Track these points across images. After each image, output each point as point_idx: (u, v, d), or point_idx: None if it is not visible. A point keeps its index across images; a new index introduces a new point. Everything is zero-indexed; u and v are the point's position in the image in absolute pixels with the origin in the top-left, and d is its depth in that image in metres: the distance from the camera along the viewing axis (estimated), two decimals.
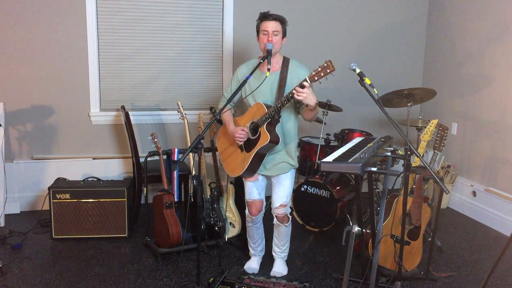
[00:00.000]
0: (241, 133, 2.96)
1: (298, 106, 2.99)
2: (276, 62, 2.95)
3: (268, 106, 2.87)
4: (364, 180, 3.99)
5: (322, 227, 3.94)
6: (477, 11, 4.42)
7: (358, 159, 2.35)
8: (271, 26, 2.85)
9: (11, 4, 4.08)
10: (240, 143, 3.02)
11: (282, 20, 2.89)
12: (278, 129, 2.89)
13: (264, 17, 2.88)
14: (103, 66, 4.40)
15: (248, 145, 2.98)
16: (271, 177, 3.11)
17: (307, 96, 2.67)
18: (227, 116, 3.11)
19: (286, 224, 3.17)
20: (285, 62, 2.96)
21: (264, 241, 3.37)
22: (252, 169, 2.99)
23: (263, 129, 2.87)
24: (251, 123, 2.96)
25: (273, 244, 3.31)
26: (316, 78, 2.65)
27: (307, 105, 2.76)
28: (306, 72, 2.86)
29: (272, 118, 2.84)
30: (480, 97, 4.41)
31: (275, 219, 3.14)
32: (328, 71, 2.61)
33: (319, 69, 2.64)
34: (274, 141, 2.87)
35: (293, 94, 2.68)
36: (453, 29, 4.75)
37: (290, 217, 3.18)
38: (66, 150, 4.44)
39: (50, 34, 4.21)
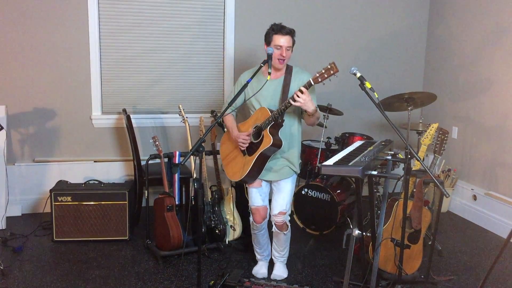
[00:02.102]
0: (245, 138, 2.97)
1: (302, 112, 3.00)
2: (280, 69, 2.98)
3: (272, 110, 2.88)
4: (364, 184, 3.99)
5: (322, 230, 3.94)
6: (475, 16, 4.44)
7: (358, 162, 2.37)
8: (285, 41, 2.85)
9: (14, 7, 4.11)
10: (243, 148, 3.02)
11: (293, 34, 2.91)
12: (281, 133, 2.90)
13: (279, 30, 2.86)
14: (105, 69, 4.42)
15: (251, 149, 2.98)
16: (272, 183, 3.12)
17: (305, 103, 2.71)
18: (230, 122, 3.13)
19: (285, 232, 3.16)
20: (288, 69, 3.00)
21: (270, 246, 3.35)
22: (254, 173, 2.98)
23: (266, 132, 2.87)
24: (255, 127, 2.97)
25: (272, 249, 3.30)
26: (319, 80, 2.69)
27: (305, 111, 2.80)
28: (309, 77, 2.87)
29: (276, 121, 2.85)
30: (481, 101, 4.42)
31: (274, 226, 3.14)
32: (332, 72, 2.64)
33: (323, 71, 2.66)
34: (277, 144, 2.87)
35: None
36: (453, 33, 4.77)
37: (289, 224, 3.17)
38: (68, 153, 4.45)
39: (53, 37, 4.23)
